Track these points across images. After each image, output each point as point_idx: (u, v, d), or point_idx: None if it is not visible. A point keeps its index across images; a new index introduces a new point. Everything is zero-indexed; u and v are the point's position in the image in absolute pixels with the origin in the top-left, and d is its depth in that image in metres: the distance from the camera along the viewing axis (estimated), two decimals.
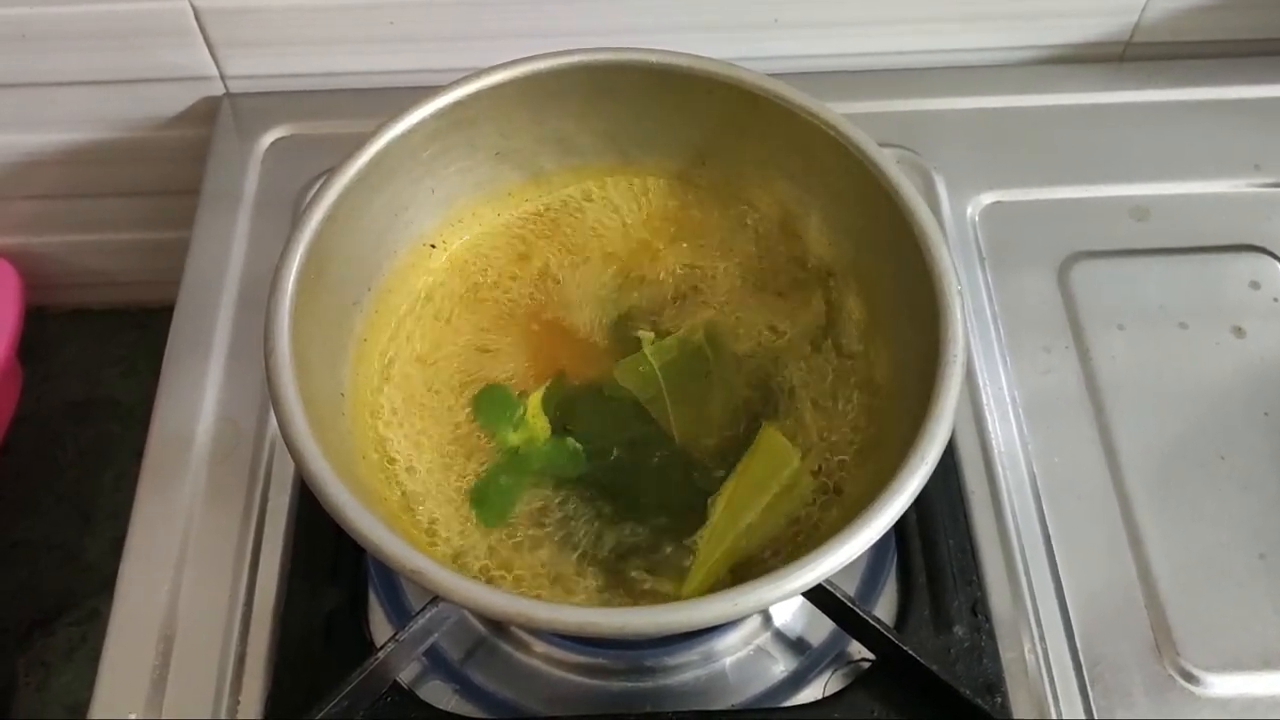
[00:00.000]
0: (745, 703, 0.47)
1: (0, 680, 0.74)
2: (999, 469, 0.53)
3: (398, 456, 0.47)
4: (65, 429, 0.84)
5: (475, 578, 0.43)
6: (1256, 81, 0.67)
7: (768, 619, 0.50)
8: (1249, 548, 0.50)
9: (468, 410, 0.49)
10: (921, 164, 0.63)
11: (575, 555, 0.45)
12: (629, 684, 0.48)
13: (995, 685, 0.47)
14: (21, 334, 0.74)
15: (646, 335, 0.50)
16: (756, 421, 0.48)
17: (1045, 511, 0.51)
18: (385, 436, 0.47)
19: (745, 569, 0.44)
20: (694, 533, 0.45)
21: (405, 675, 0.47)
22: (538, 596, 0.43)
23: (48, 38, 0.65)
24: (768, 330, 0.51)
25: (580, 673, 0.48)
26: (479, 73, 0.48)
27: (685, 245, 0.53)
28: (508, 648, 0.49)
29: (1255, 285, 0.58)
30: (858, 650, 0.48)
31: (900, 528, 0.50)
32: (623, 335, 0.51)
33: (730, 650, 0.49)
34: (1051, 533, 0.51)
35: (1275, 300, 0.58)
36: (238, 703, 0.47)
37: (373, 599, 0.50)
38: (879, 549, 0.50)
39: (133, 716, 0.46)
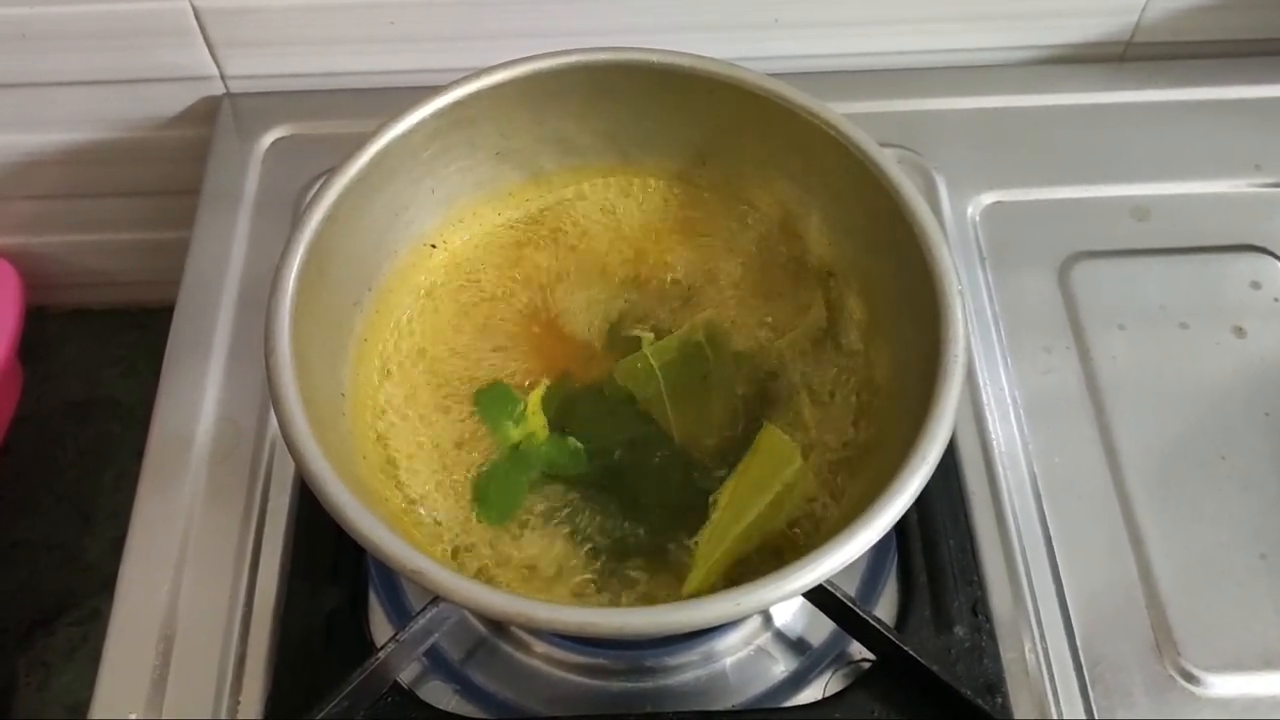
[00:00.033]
0: (746, 703, 0.47)
1: (1, 680, 0.74)
2: (999, 469, 0.53)
3: (398, 456, 0.47)
4: (65, 429, 0.84)
5: (475, 578, 0.43)
6: (1256, 81, 0.67)
7: (768, 619, 0.50)
8: (1249, 548, 0.50)
9: (468, 410, 0.49)
10: (922, 164, 0.63)
11: (575, 555, 0.45)
12: (629, 684, 0.48)
13: (996, 685, 0.47)
14: (21, 334, 0.74)
15: (646, 335, 0.50)
16: (756, 421, 0.48)
17: (1046, 511, 0.51)
18: (386, 436, 0.47)
19: (745, 569, 0.44)
20: (694, 533, 0.45)
21: (406, 675, 0.47)
22: (537, 597, 0.43)
23: (48, 38, 0.65)
24: (768, 330, 0.51)
25: (581, 673, 0.48)
26: (479, 73, 0.48)
27: (685, 245, 0.53)
28: (508, 648, 0.49)
29: (1256, 285, 0.58)
30: (858, 650, 0.48)
31: (901, 528, 0.50)
32: (622, 335, 0.51)
33: (731, 650, 0.49)
34: (1052, 533, 0.51)
35: (1276, 300, 0.58)
36: (238, 703, 0.47)
37: (373, 599, 0.50)
38: (879, 549, 0.50)
39: (133, 716, 0.46)
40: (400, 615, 0.49)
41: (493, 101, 0.49)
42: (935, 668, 0.44)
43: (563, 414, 0.48)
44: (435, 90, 0.48)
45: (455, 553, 0.45)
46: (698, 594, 0.41)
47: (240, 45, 0.66)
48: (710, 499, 0.45)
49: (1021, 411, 0.54)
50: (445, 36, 0.65)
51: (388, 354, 0.50)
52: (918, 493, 0.38)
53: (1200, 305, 0.58)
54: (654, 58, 0.49)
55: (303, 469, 0.39)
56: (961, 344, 0.41)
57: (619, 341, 0.50)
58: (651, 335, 0.50)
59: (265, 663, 0.48)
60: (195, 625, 0.49)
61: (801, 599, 0.45)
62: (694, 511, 0.45)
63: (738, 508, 0.45)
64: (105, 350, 0.87)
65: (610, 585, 0.44)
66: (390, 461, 0.47)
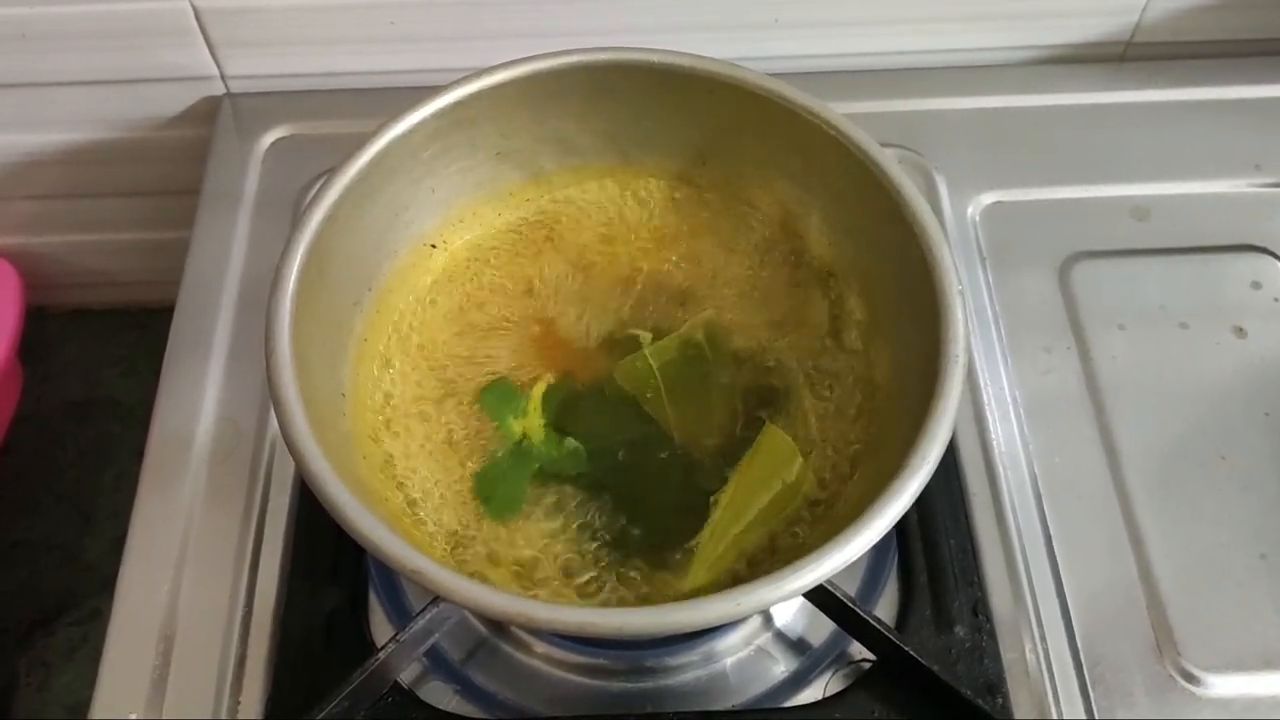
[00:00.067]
0: (746, 703, 0.47)
1: (1, 680, 0.74)
2: (1000, 469, 0.53)
3: (398, 456, 0.47)
4: (65, 429, 0.84)
5: (475, 578, 0.43)
6: (1256, 81, 0.67)
7: (768, 619, 0.50)
8: (1249, 548, 0.50)
9: (468, 410, 0.49)
10: (922, 164, 0.63)
11: (576, 555, 0.45)
12: (629, 684, 0.48)
13: (996, 685, 0.47)
14: (21, 334, 0.74)
15: (645, 335, 0.50)
16: (757, 421, 0.48)
17: (1046, 511, 0.51)
18: (385, 436, 0.47)
19: (746, 569, 0.44)
20: (695, 532, 0.45)
21: (406, 676, 0.47)
22: (537, 596, 0.43)
23: (48, 38, 0.65)
24: (768, 330, 0.51)
25: (581, 673, 0.48)
26: (479, 73, 0.48)
27: (685, 245, 0.53)
28: (508, 648, 0.49)
29: (1256, 285, 0.58)
30: (858, 651, 0.48)
31: (901, 528, 0.50)
32: (622, 335, 0.51)
33: (731, 650, 0.49)
34: (1052, 533, 0.51)
35: (1276, 300, 0.58)
36: (238, 703, 0.47)
37: (373, 599, 0.50)
38: (880, 549, 0.50)
39: (133, 716, 0.46)
40: (400, 615, 0.49)
41: (493, 101, 0.49)
42: (935, 668, 0.44)
43: (563, 414, 0.48)
44: (435, 90, 0.48)
45: (455, 552, 0.45)
46: (698, 594, 0.41)
47: (240, 45, 0.66)
48: (711, 499, 0.45)
49: (1021, 411, 0.54)
50: (445, 36, 0.65)
51: (388, 354, 0.50)
52: (918, 493, 0.38)
53: (1200, 305, 0.58)
54: (654, 58, 0.49)
55: (303, 469, 0.39)
56: (962, 344, 0.41)
57: (619, 342, 0.50)
58: (651, 335, 0.50)
59: (265, 663, 0.48)
60: (195, 625, 0.49)
61: (802, 599, 0.45)
62: (694, 511, 0.45)
63: (738, 507, 0.45)
64: (105, 350, 0.87)
65: (610, 585, 0.44)
66: (390, 461, 0.47)
